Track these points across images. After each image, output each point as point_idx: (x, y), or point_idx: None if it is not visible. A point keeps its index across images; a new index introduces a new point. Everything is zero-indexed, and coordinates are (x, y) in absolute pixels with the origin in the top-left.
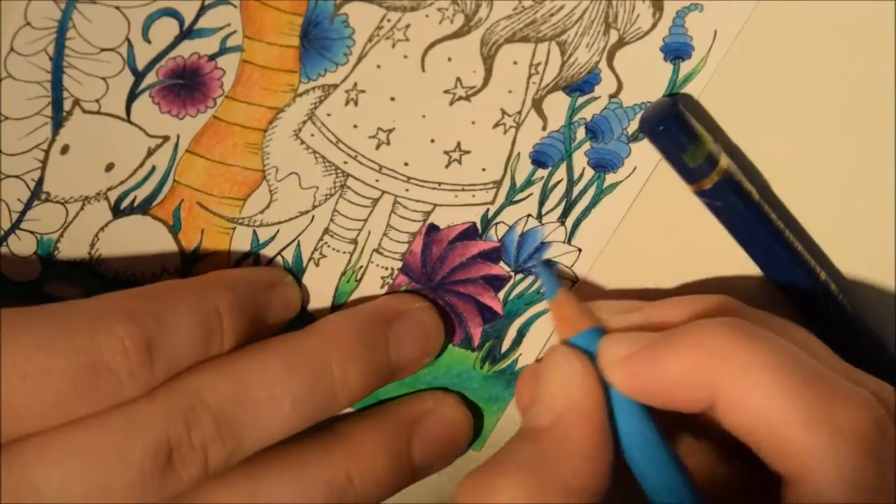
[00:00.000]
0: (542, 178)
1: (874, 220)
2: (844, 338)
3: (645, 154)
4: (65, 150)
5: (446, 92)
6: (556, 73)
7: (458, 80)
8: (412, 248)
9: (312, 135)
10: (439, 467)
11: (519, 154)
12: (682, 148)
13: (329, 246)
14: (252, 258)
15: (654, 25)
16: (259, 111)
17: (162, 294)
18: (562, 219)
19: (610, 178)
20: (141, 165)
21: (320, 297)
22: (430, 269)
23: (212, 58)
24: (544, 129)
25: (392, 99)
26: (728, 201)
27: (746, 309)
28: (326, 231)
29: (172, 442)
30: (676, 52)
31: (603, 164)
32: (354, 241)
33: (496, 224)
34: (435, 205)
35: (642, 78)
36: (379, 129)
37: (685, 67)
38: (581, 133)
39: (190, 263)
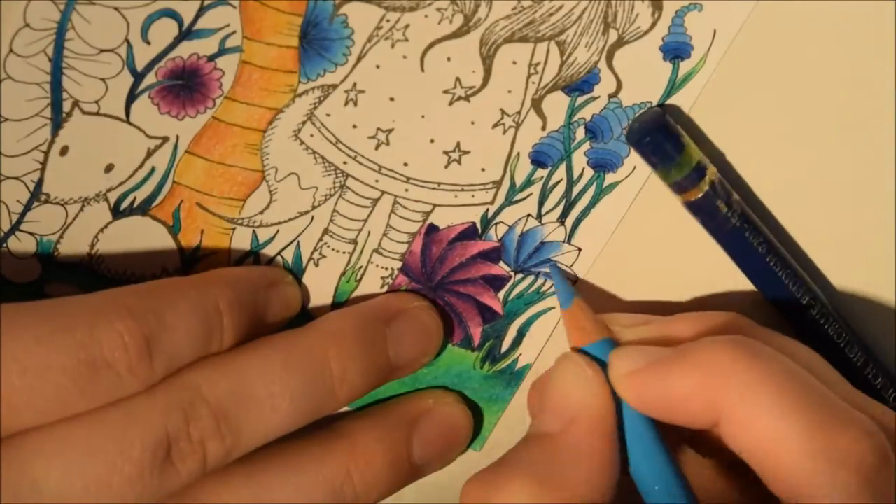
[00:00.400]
0: (542, 177)
1: (869, 231)
2: (833, 351)
3: None
4: (64, 151)
5: (445, 92)
6: (555, 73)
7: (458, 80)
8: (412, 249)
9: (312, 135)
10: (439, 466)
11: (518, 154)
12: (668, 159)
13: (329, 246)
14: (252, 258)
15: (653, 25)
16: (258, 112)
17: (162, 291)
18: (561, 219)
19: (609, 178)
20: (140, 166)
21: (320, 297)
22: (430, 270)
23: (211, 58)
24: (544, 128)
25: (391, 99)
26: (714, 214)
27: (755, 327)
28: (326, 231)
29: (171, 437)
30: (676, 51)
31: (602, 164)
32: (354, 242)
33: (496, 224)
34: (434, 205)
35: (642, 77)
36: (378, 129)
37: (685, 67)
38: (580, 133)
39: (190, 264)
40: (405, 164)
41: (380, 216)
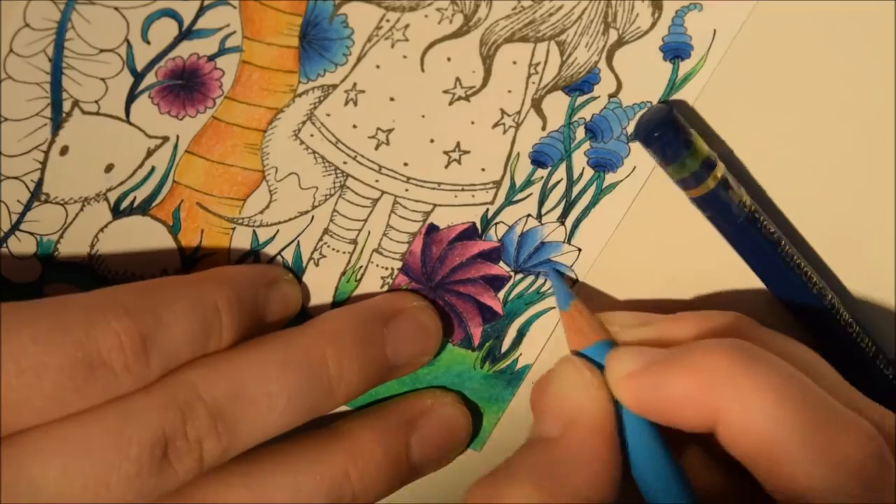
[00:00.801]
0: (542, 177)
1: (875, 227)
2: (839, 348)
3: (644, 154)
4: (64, 151)
5: (446, 92)
6: (555, 73)
7: (458, 80)
8: (412, 248)
9: (312, 135)
10: (438, 466)
11: (518, 154)
12: (677, 154)
13: (329, 246)
14: (252, 258)
15: (653, 25)
16: (258, 111)
17: (160, 289)
18: (561, 219)
19: (609, 178)
20: (140, 166)
21: (320, 297)
22: (430, 269)
23: (211, 58)
24: (544, 128)
25: (391, 99)
26: (723, 208)
27: (757, 328)
28: (326, 231)
29: (168, 436)
30: (676, 51)
31: (602, 164)
32: (354, 242)
33: (496, 224)
34: (435, 205)
35: (642, 77)
36: (378, 129)
37: (685, 67)
38: (580, 133)
39: (190, 264)
40: (405, 164)
41: (380, 216)
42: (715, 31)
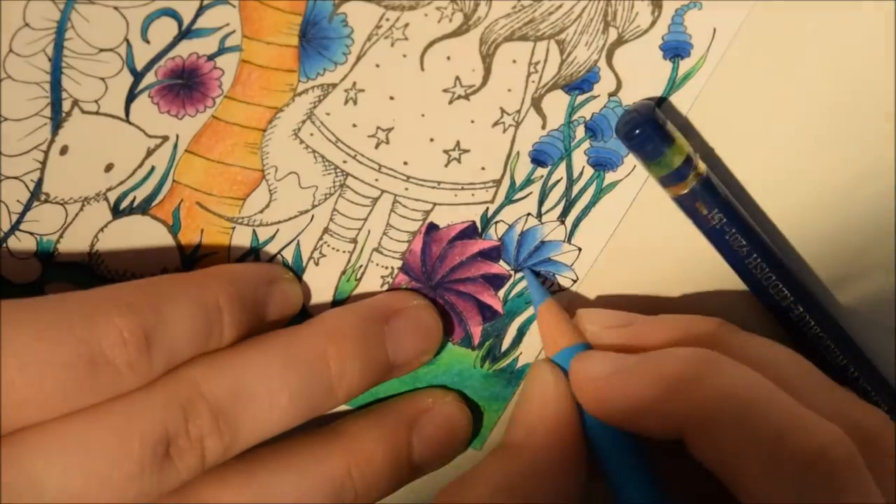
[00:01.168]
0: (542, 176)
1: (862, 230)
2: (819, 349)
3: None
4: (64, 150)
5: (445, 91)
6: (555, 72)
7: (458, 78)
8: (412, 248)
9: (312, 134)
10: (439, 465)
11: (518, 153)
12: (657, 152)
13: (329, 245)
14: (252, 257)
15: (653, 24)
16: (258, 111)
17: (162, 287)
18: (561, 217)
19: (609, 177)
20: (140, 166)
21: (320, 296)
22: (430, 268)
23: (210, 57)
24: (544, 127)
25: (391, 98)
26: (704, 207)
27: (736, 333)
28: (326, 230)
29: (170, 434)
30: (676, 50)
31: (602, 163)
32: (354, 241)
33: (496, 223)
34: (434, 204)
35: (642, 76)
36: (378, 128)
37: (684, 65)
38: (580, 132)
39: (190, 263)
40: (405, 163)
41: (380, 215)
42: (715, 29)
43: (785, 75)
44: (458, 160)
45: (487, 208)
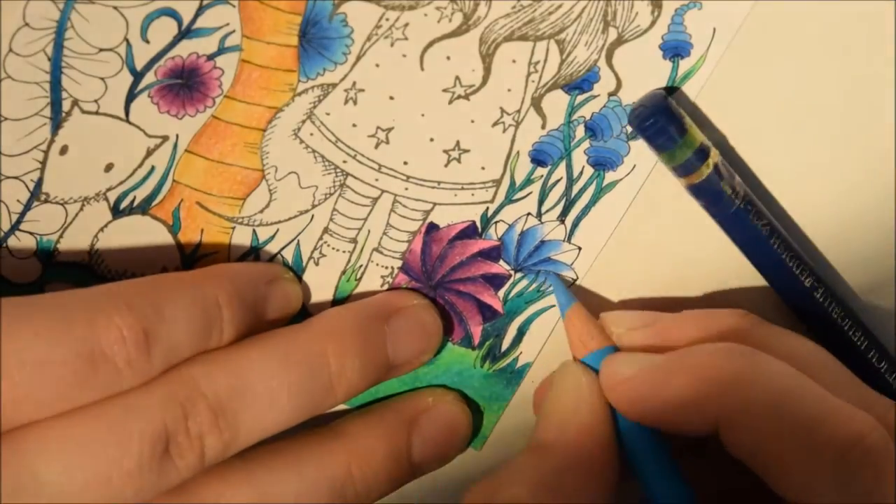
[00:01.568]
0: (542, 176)
1: (873, 224)
2: (832, 342)
3: (644, 152)
4: (64, 150)
5: (445, 91)
6: (555, 72)
7: (457, 78)
8: (412, 247)
9: (311, 134)
10: (439, 465)
11: (518, 153)
12: (671, 142)
13: (329, 245)
14: (252, 257)
15: (652, 23)
16: (258, 111)
17: (162, 285)
18: (561, 217)
19: (609, 177)
20: (140, 165)
21: (320, 295)
22: (430, 268)
23: (210, 57)
24: (543, 127)
25: (391, 98)
26: (717, 197)
27: (761, 324)
28: (326, 230)
29: (170, 432)
30: (675, 49)
31: (602, 163)
32: (354, 241)
33: (496, 223)
34: (434, 203)
35: (641, 76)
36: (378, 128)
37: (684, 65)
38: (580, 131)
39: (190, 263)
40: (405, 163)
41: (380, 215)
42: (714, 29)
43: (783, 74)
44: (458, 160)
45: (487, 208)
